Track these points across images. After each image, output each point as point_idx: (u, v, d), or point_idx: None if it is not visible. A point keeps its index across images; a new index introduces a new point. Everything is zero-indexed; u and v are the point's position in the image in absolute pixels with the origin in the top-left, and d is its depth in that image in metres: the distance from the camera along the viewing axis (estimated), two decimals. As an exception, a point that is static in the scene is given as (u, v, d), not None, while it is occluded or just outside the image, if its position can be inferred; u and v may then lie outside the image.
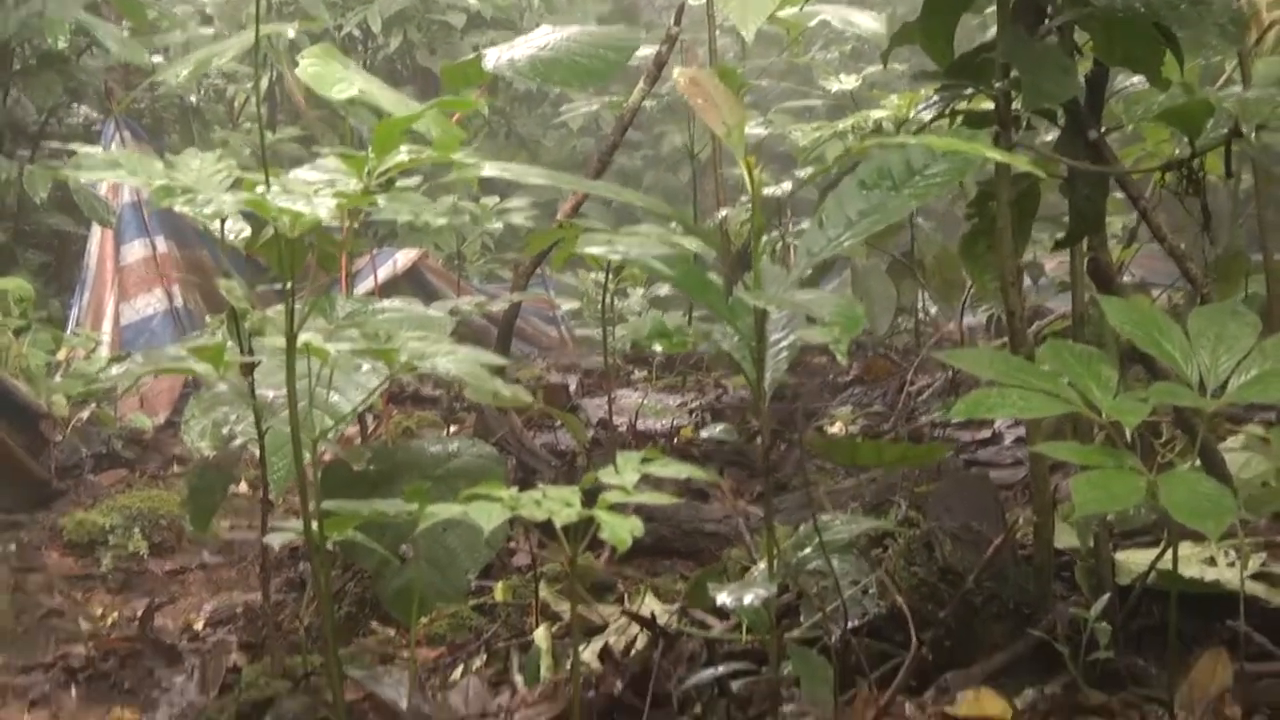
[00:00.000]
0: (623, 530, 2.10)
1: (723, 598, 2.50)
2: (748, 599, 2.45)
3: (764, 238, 4.70)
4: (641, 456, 2.30)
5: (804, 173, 7.93)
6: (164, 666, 4.86)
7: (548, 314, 10.19)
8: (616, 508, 2.18)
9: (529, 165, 2.68)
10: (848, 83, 8.28)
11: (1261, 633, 3.10)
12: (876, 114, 6.76)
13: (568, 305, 9.30)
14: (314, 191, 2.62)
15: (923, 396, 5.97)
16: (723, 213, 7.74)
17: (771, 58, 12.09)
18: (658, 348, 2.77)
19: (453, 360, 3.05)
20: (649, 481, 2.28)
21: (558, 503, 2.16)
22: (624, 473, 2.25)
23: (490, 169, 2.63)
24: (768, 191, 7.53)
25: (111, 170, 2.67)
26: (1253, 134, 3.36)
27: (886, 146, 2.73)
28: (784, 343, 2.69)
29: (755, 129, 8.37)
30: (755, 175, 2.65)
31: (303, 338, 2.75)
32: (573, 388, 7.16)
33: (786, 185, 7.84)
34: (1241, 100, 3.31)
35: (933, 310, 7.67)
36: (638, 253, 2.67)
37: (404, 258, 9.48)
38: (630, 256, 2.67)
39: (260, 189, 2.57)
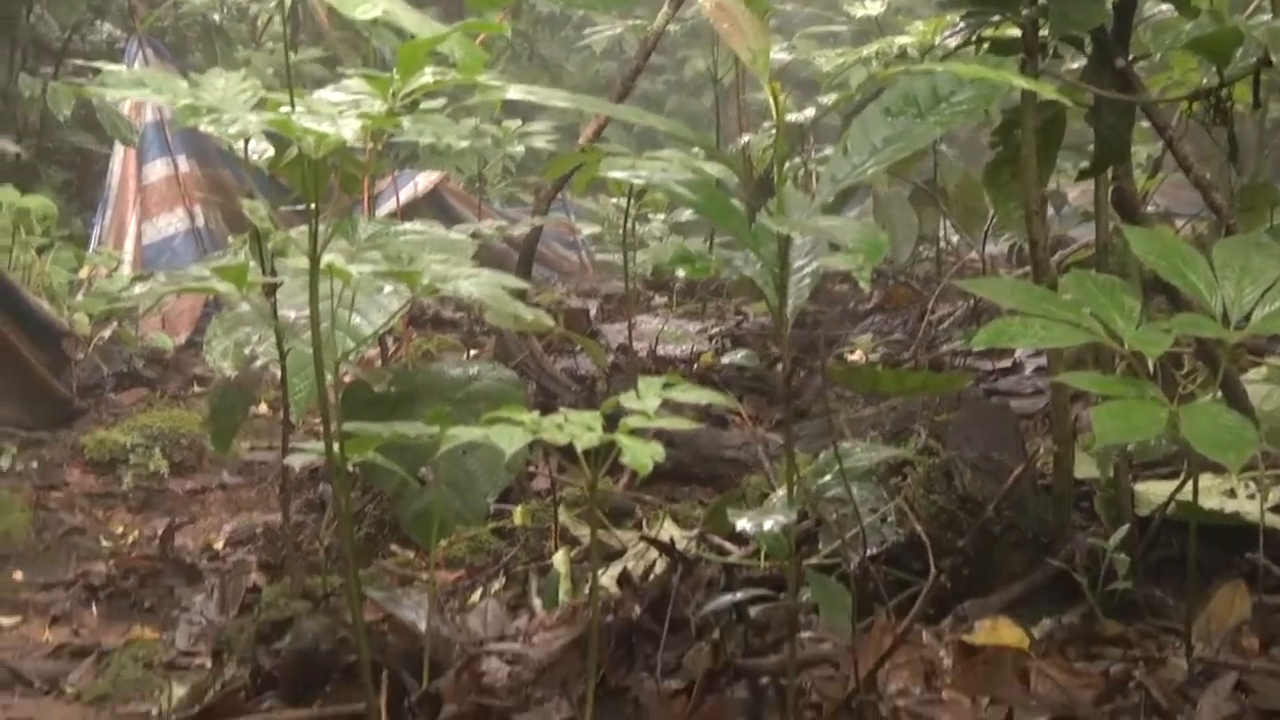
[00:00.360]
0: (644, 455, 2.09)
1: (742, 524, 2.50)
2: (767, 525, 2.45)
3: (787, 164, 4.68)
4: (663, 382, 2.29)
5: (828, 99, 7.90)
6: (184, 585, 4.89)
7: (568, 238, 10.18)
8: (637, 433, 2.18)
9: (552, 89, 2.66)
10: (873, 8, 8.22)
11: (1282, 565, 3.11)
12: (901, 40, 6.71)
13: (588, 230, 9.28)
14: (338, 113, 2.61)
15: (944, 325, 5.97)
16: (745, 138, 7.71)
17: (797, -19, 12.01)
18: (680, 273, 2.76)
19: (474, 283, 3.05)
20: (669, 407, 2.28)
21: (579, 427, 2.16)
22: (645, 398, 2.24)
23: (515, 91, 2.62)
24: (791, 118, 7.50)
25: (136, 89, 2.66)
26: (1282, 64, 3.33)
27: (912, 73, 2.71)
28: (807, 269, 2.67)
29: (779, 54, 8.33)
30: (779, 101, 2.63)
31: (326, 259, 2.75)
32: (593, 313, 7.17)
33: (810, 111, 7.81)
34: (1271, 29, 3.28)
35: (954, 238, 7.65)
36: (660, 178, 2.66)
37: (425, 180, 9.47)
38: (653, 181, 2.66)
39: (285, 109, 2.56)
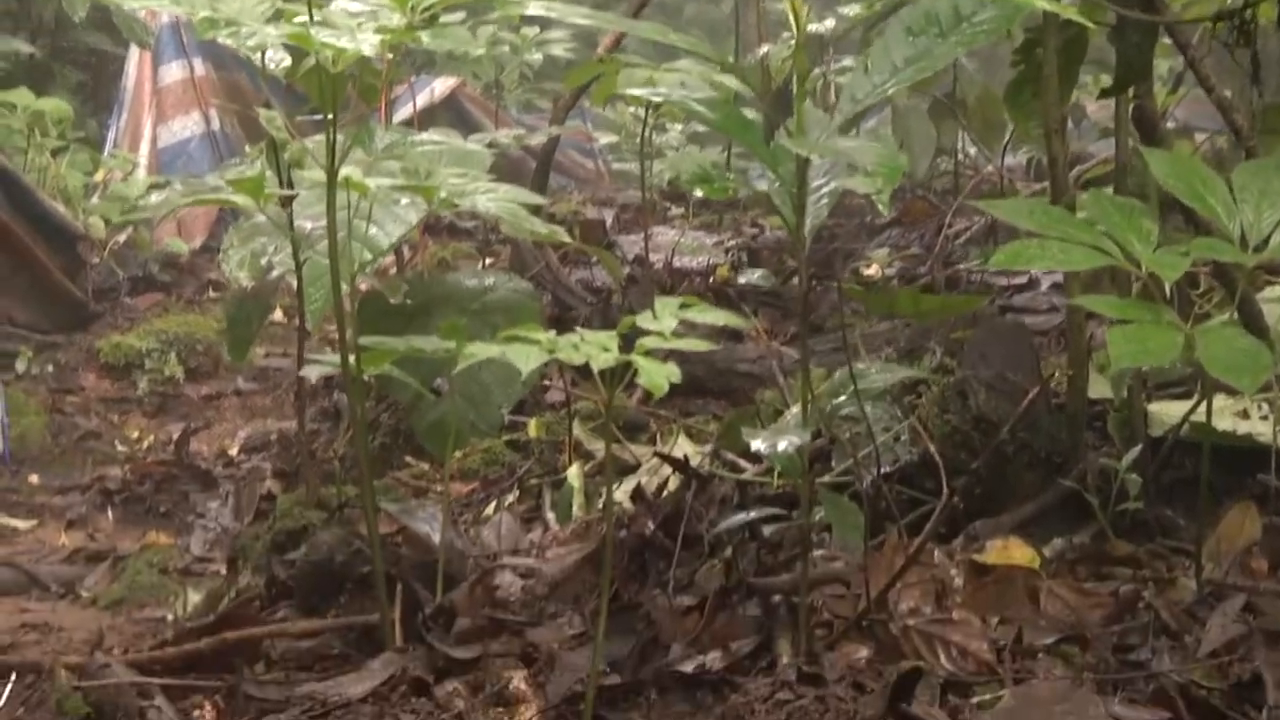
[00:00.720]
0: (659, 377, 2.10)
1: (757, 444, 2.51)
2: (781, 446, 2.45)
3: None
4: (680, 302, 2.29)
5: (849, 10, 7.85)
6: (199, 491, 4.93)
7: (585, 146, 10.14)
8: (653, 353, 2.18)
9: (570, 4, 2.64)
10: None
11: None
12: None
13: (605, 139, 9.24)
14: (357, 25, 2.60)
15: (960, 240, 5.95)
16: (764, 48, 7.66)
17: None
18: (698, 193, 2.75)
19: (492, 199, 3.05)
20: (685, 327, 2.28)
21: (595, 348, 2.16)
22: (662, 318, 2.24)
23: (534, 7, 2.60)
24: (811, 29, 7.45)
25: (153, -1, 2.65)
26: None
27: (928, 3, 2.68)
28: (825, 189, 2.67)
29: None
30: (800, 13, 2.61)
31: (343, 172, 2.75)
32: (609, 223, 7.15)
33: (830, 22, 7.75)
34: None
35: (973, 151, 7.60)
36: (679, 96, 2.65)
37: (441, 86, 9.42)
38: (671, 99, 2.65)
39: (303, 21, 2.55)
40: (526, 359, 2.17)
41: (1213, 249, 2.73)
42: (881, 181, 2.37)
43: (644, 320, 2.26)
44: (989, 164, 7.03)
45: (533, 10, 2.59)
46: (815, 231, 2.65)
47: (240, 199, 2.94)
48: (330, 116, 2.69)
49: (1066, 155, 3.29)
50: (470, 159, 4.07)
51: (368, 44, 2.45)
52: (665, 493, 3.24)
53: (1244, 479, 3.21)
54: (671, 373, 2.10)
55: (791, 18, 2.64)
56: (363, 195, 3.00)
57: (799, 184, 2.53)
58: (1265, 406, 3.32)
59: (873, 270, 5.74)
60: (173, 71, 8.64)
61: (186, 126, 8.54)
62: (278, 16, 2.66)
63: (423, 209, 3.28)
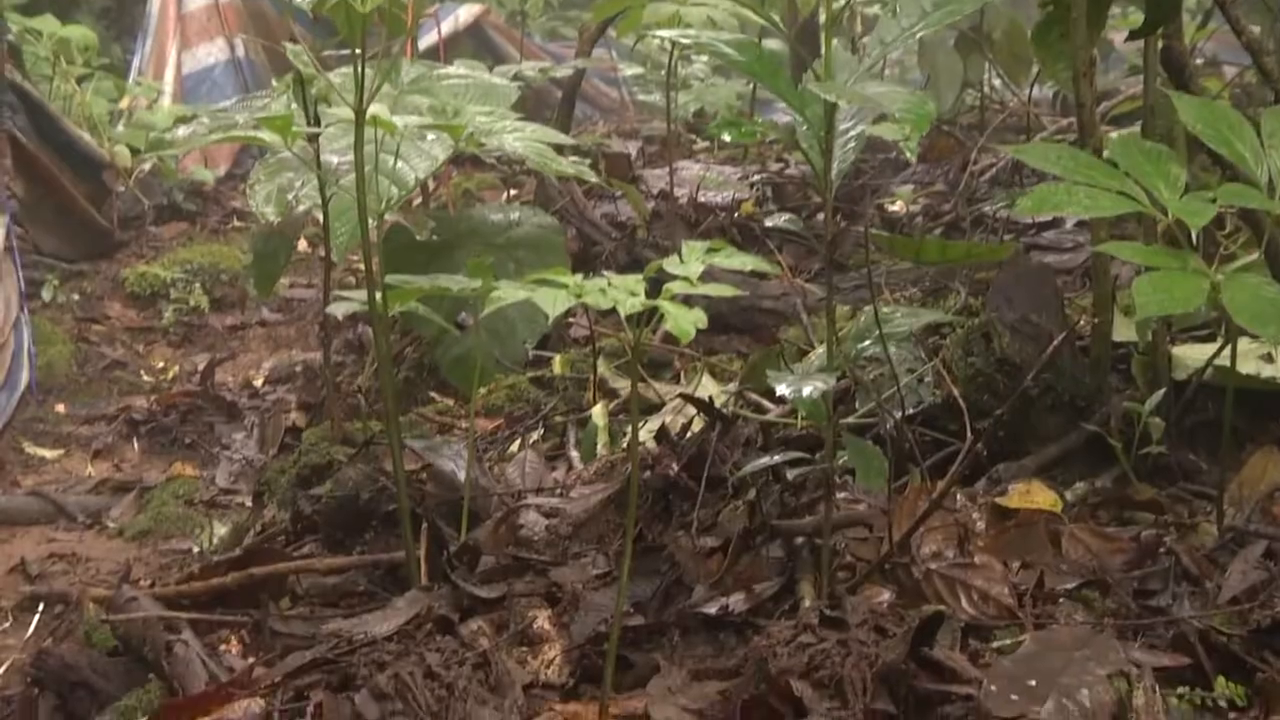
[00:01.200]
0: (686, 323, 2.10)
1: (781, 389, 2.51)
2: (806, 391, 2.46)
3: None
4: (707, 246, 2.29)
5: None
6: (224, 422, 4.96)
7: (610, 76, 10.10)
8: (679, 297, 2.18)
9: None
10: None
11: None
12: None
13: (631, 71, 9.20)
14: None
15: (985, 177, 5.92)
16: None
17: None
18: (726, 137, 2.74)
19: (519, 137, 3.05)
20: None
21: (623, 293, 2.16)
22: (689, 263, 2.25)
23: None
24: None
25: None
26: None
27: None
28: (852, 133, 2.66)
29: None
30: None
31: (371, 110, 2.74)
32: (634, 155, 7.12)
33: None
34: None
35: (999, 85, 7.56)
36: (707, 37, 2.64)
37: (466, 13, 9.38)
38: (700, 41, 2.65)
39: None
40: (554, 303, 2.18)
41: (1240, 195, 2.71)
42: (909, 129, 2.36)
43: (670, 264, 2.26)
44: (1015, 98, 6.99)
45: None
46: (842, 175, 2.66)
47: (269, 137, 2.94)
48: (358, 51, 2.68)
49: (1095, 99, 3.27)
50: (496, 94, 4.07)
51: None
52: (689, 433, 3.25)
53: (1267, 423, 3.21)
54: (699, 319, 2.11)
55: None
56: (390, 134, 2.99)
57: (826, 128, 2.53)
58: (1290, 349, 3.32)
59: (898, 207, 5.72)
60: (197, -3, 8.62)
61: (211, 53, 8.51)
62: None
63: (450, 145, 3.27)
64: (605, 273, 2.26)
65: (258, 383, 5.34)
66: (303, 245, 6.34)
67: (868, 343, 2.74)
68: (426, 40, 7.65)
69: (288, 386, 5.16)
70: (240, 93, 7.79)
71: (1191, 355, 3.36)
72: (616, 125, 9.01)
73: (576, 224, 5.07)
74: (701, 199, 5.66)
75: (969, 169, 5.83)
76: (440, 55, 5.91)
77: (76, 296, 6.16)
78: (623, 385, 3.89)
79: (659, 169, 6.14)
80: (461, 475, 3.10)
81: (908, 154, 2.43)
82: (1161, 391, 3.10)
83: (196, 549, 3.99)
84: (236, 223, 7.14)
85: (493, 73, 4.55)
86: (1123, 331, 3.38)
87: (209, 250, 6.35)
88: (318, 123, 3.36)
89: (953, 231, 5.16)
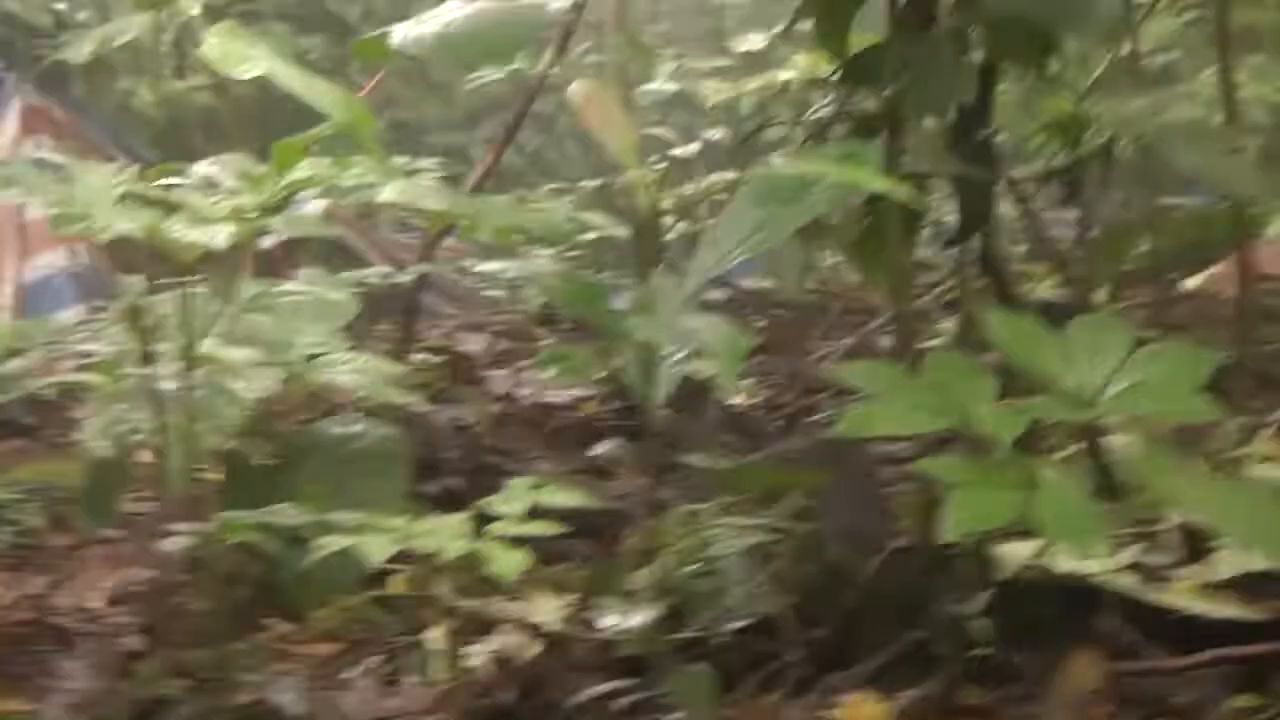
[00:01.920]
0: (509, 566, 2.16)
1: (606, 621, 2.56)
2: (633, 621, 2.51)
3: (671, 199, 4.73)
4: (531, 483, 2.35)
5: (713, 134, 8.06)
6: (58, 651, 4.85)
7: (460, 262, 10.14)
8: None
9: (424, 187, 2.70)
10: (755, 43, 8.36)
11: (1135, 627, 3.17)
12: (784, 75, 6.90)
13: (480, 267, 9.26)
14: (214, 208, 2.65)
15: (825, 363, 6.03)
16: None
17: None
18: (551, 373, 2.81)
19: (351, 369, 3.10)
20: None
21: (447, 536, 2.22)
22: (513, 501, 2.30)
23: (389, 192, 2.65)
24: (676, 151, 7.61)
25: (7, 188, 2.68)
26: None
27: (775, 170, 2.78)
28: (678, 355, 2.74)
29: (667, 85, 8.41)
30: (648, 196, 2.69)
31: (202, 347, 2.78)
32: (482, 351, 7.15)
33: (695, 145, 7.93)
34: (1116, 113, 3.37)
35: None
36: (531, 270, 2.73)
37: (313, 210, 9.40)
38: (523, 274, 2.72)
39: (153, 215, 2.59)
40: (379, 550, 2.22)
41: (1048, 409, 2.82)
42: (724, 364, 2.45)
43: (497, 503, 2.32)
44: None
45: (386, 197, 2.65)
46: (668, 397, 2.73)
47: (98, 379, 2.97)
48: (185, 291, 2.73)
49: (912, 310, 3.38)
50: (334, 311, 4.11)
51: (220, 238, 2.50)
52: (529, 654, 3.26)
53: (1088, 620, 3.27)
54: (520, 562, 2.16)
55: (639, 194, 2.72)
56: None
57: (649, 361, 2.61)
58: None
59: (739, 399, 5.80)
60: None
61: (52, 262, 8.46)
62: (130, 202, 2.70)
63: (281, 374, 3.31)
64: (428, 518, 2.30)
65: (96, 605, 5.25)
66: (147, 454, 6.28)
67: (698, 564, 2.79)
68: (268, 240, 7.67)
69: (127, 609, 5.07)
70: (82, 298, 7.74)
71: (1016, 553, 3.43)
72: (465, 318, 9.04)
73: (420, 432, 5.09)
74: (546, 399, 5.71)
75: (808, 357, 5.96)
76: (284, 260, 5.94)
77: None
78: (464, 603, 3.88)
79: (506, 367, 6.19)
80: (298, 709, 3.09)
81: (725, 386, 2.51)
82: (986, 593, 3.17)
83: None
84: (78, 435, 7.02)
85: (338, 277, 4.56)
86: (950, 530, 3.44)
87: (47, 469, 6.24)
88: (152, 355, 3.38)
89: (793, 424, 5.25)
